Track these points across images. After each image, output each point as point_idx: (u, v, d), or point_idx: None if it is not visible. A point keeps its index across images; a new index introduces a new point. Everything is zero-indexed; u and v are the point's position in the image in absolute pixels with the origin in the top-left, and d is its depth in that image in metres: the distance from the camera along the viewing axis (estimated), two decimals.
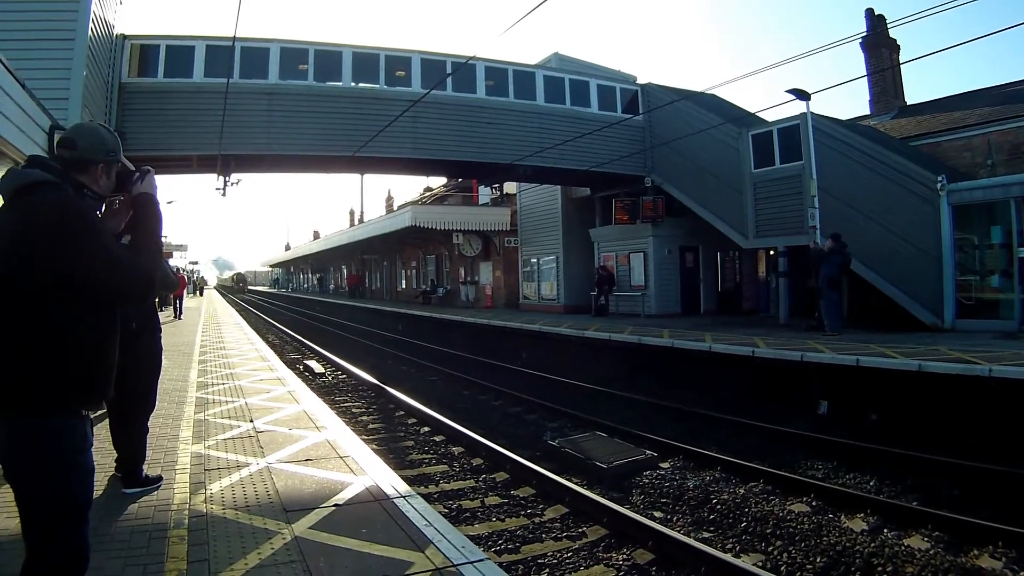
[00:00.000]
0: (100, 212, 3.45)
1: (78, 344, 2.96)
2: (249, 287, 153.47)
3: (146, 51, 20.18)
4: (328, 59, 22.29)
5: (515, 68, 25.44)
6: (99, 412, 5.46)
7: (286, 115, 21.39)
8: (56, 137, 10.82)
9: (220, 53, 20.20)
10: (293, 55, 21.78)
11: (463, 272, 43.96)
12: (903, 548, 7.28)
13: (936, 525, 7.76)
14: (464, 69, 23.07)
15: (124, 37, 19.53)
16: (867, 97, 33.06)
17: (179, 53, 20.44)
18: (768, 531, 7.93)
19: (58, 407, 2.93)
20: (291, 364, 19.18)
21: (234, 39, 16.76)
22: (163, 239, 3.58)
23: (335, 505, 5.75)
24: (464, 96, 23.92)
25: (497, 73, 24.99)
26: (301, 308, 64.12)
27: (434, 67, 23.45)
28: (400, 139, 22.32)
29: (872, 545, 7.35)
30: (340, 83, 22.46)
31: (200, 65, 20.46)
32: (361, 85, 22.77)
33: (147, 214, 3.39)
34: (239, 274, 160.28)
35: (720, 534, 8.00)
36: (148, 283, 3.17)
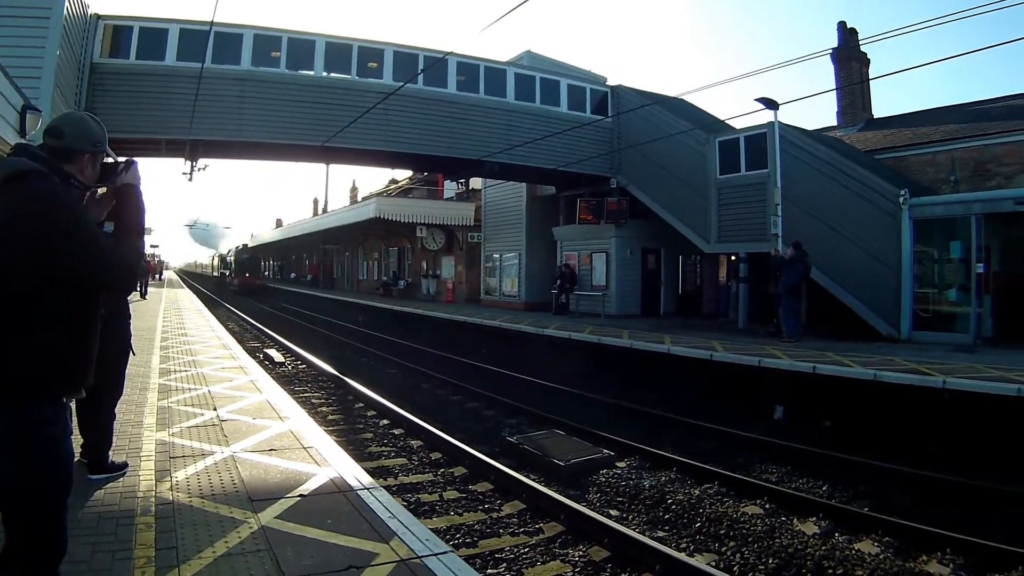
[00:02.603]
0: (83, 201, 3.48)
1: (62, 332, 2.99)
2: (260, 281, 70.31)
3: (119, 32, 19.86)
4: (301, 47, 22.13)
5: (487, 64, 25.46)
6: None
7: (257, 102, 21.22)
8: (28, 117, 10.76)
9: (193, 37, 19.94)
10: (266, 42, 21.60)
11: (425, 265, 43.93)
12: (854, 552, 7.45)
13: (886, 531, 7.93)
14: (433, 63, 23.08)
15: (98, 17, 19.29)
16: (835, 108, 33.45)
17: (152, 35, 20.13)
18: (722, 532, 8.08)
19: (41, 394, 2.95)
20: (252, 352, 19.12)
21: (212, 23, 16.66)
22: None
23: (300, 495, 5.75)
24: (435, 91, 23.87)
25: (469, 69, 25.00)
26: (262, 295, 63.76)
27: (406, 60, 23.40)
28: (370, 131, 22.23)
29: (823, 548, 7.53)
30: (312, 72, 22.34)
31: (173, 48, 20.16)
32: (333, 75, 22.67)
33: (130, 205, 3.41)
34: (244, 250, 73.20)
35: (675, 533, 8.13)
36: (130, 274, 3.21)
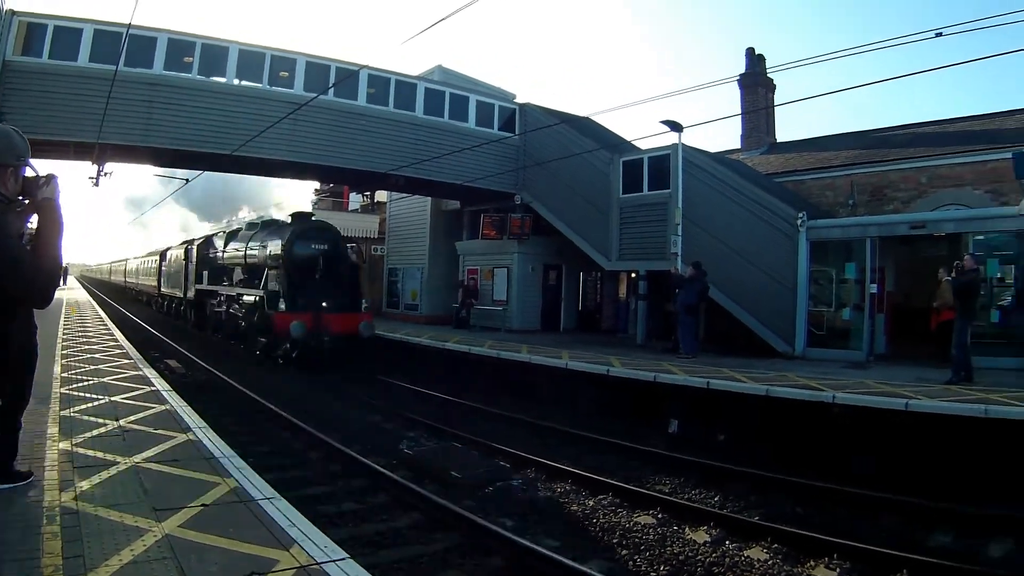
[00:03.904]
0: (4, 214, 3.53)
1: None
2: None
3: (33, 29, 19.35)
4: (214, 54, 21.80)
5: (397, 78, 25.46)
6: None
7: (167, 108, 20.81)
8: None
9: (107, 38, 19.57)
10: (180, 47, 21.24)
11: None
12: (743, 558, 7.69)
13: (776, 538, 8.17)
14: (345, 75, 23.10)
15: (12, 13, 18.84)
16: (739, 131, 34.43)
17: (66, 35, 19.61)
18: (615, 540, 8.23)
19: None
20: (153, 362, 18.66)
21: (129, 25, 16.34)
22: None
23: (203, 505, 5.77)
24: (344, 102, 23.79)
25: (379, 81, 24.95)
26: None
27: (318, 71, 23.33)
28: (278, 141, 22.04)
29: (714, 555, 7.76)
30: (224, 80, 22.04)
31: (86, 49, 19.69)
32: (244, 83, 22.44)
33: (49, 219, 3.46)
34: (311, 230, 24.09)
35: (569, 542, 8.19)
36: (49, 286, 3.27)
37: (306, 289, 22.43)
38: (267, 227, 26.53)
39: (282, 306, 21.54)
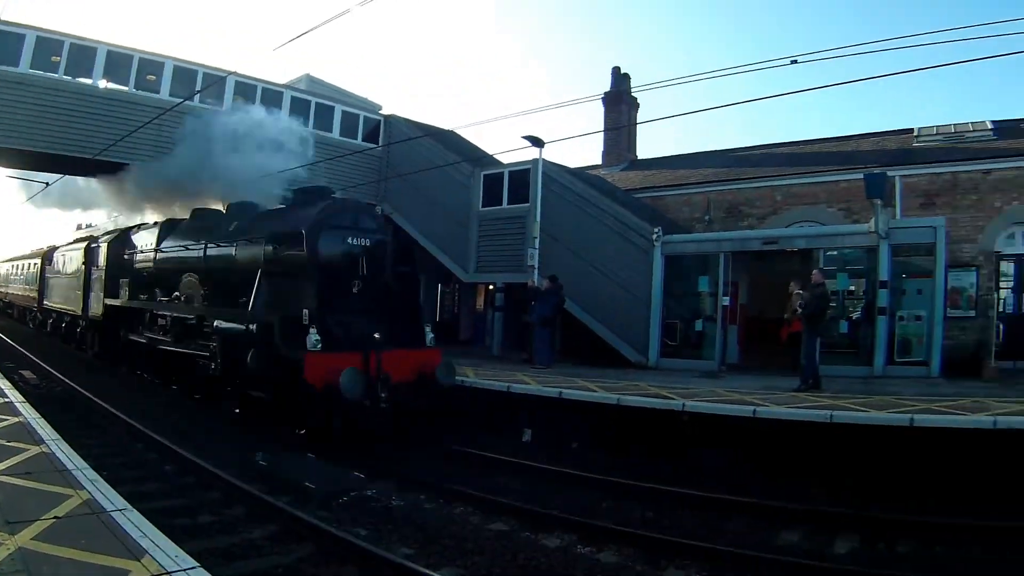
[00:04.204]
0: None
1: None
2: None
3: None
4: (82, 54, 21.06)
5: (264, 85, 25.08)
6: None
7: (30, 108, 20.07)
8: None
9: None
10: (48, 45, 20.50)
11: None
12: (596, 562, 7.92)
13: (628, 542, 8.40)
14: (213, 81, 22.70)
15: None
16: (600, 147, 35.11)
17: None
18: (469, 547, 8.32)
19: None
20: (6, 373, 17.93)
21: None
22: None
23: (55, 517, 5.80)
24: (211, 108, 23.07)
25: (246, 88, 24.52)
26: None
27: (186, 75, 22.86)
28: (143, 146, 21.38)
29: (566, 559, 7.95)
30: (90, 81, 21.38)
31: None
32: (110, 86, 21.79)
33: None
34: None
35: (423, 551, 8.25)
36: None
37: (341, 311, 14.09)
38: (244, 210, 17.90)
39: (314, 342, 12.50)
